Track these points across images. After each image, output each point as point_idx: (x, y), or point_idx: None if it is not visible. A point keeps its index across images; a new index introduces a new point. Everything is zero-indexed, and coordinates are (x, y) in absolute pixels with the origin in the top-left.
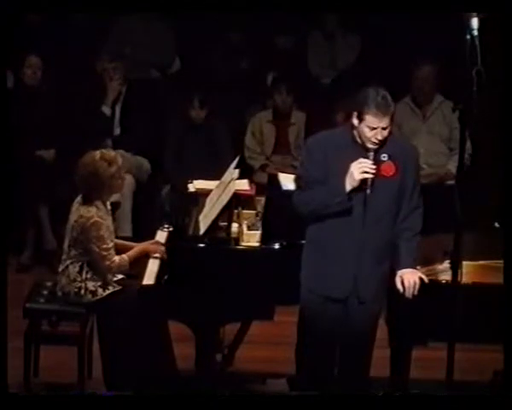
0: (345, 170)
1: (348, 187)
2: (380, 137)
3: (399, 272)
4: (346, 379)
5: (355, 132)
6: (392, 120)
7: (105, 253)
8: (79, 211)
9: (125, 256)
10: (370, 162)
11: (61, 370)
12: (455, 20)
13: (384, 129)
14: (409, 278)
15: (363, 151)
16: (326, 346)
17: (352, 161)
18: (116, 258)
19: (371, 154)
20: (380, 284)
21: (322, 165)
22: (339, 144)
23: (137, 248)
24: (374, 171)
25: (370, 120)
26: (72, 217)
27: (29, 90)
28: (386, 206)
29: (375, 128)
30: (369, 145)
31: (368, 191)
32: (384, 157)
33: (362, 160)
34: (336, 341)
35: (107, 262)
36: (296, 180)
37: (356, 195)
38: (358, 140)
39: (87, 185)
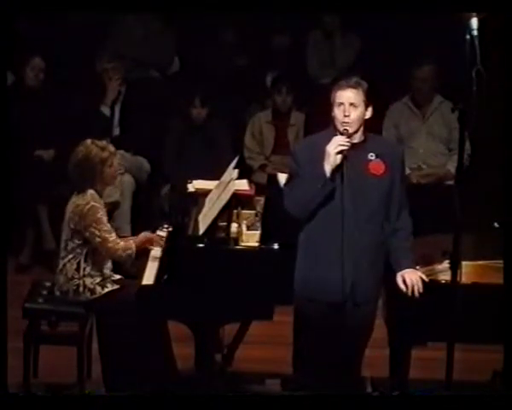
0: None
1: (327, 167)
2: (348, 113)
3: (400, 273)
4: (340, 379)
5: (336, 127)
6: (366, 105)
7: (107, 235)
8: (75, 202)
9: (131, 241)
10: (344, 137)
11: (60, 370)
12: (454, 20)
13: (353, 106)
14: (411, 277)
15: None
16: (322, 349)
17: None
18: (121, 241)
19: (345, 133)
20: (374, 285)
21: (312, 168)
22: (324, 145)
23: (141, 235)
24: (349, 144)
25: (337, 95)
26: (68, 210)
27: (29, 90)
28: (377, 205)
29: (342, 103)
30: (341, 128)
31: (345, 168)
32: (371, 156)
33: (335, 137)
34: (332, 343)
35: (111, 244)
36: (286, 185)
37: (344, 190)
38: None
39: (80, 171)
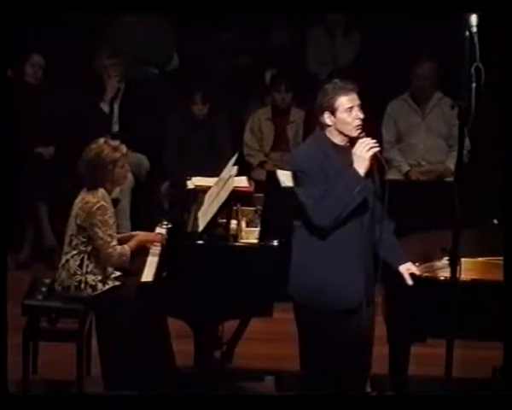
0: (344, 166)
1: (362, 170)
2: (361, 115)
3: (403, 266)
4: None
5: (331, 133)
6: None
7: (109, 239)
8: (85, 199)
9: (126, 246)
10: (370, 138)
11: (59, 367)
12: (454, 16)
13: (359, 107)
14: (414, 270)
15: (346, 149)
16: (336, 354)
17: (343, 158)
18: (118, 247)
19: (363, 135)
20: (374, 283)
21: (324, 173)
22: (323, 149)
23: (137, 237)
24: (378, 145)
25: (344, 101)
26: (77, 206)
27: (29, 87)
28: (374, 202)
29: (351, 108)
30: (355, 133)
31: (383, 163)
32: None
33: (361, 140)
34: (346, 348)
35: (110, 249)
36: (307, 198)
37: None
38: (336, 139)
39: (90, 170)
